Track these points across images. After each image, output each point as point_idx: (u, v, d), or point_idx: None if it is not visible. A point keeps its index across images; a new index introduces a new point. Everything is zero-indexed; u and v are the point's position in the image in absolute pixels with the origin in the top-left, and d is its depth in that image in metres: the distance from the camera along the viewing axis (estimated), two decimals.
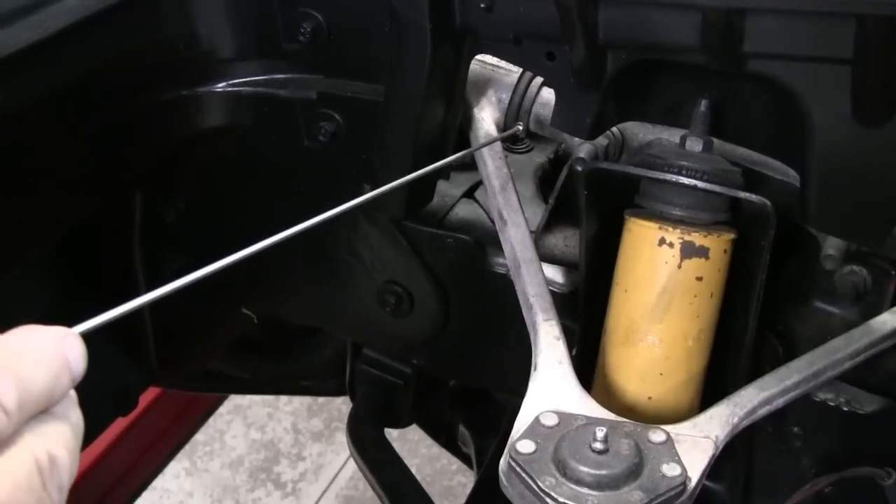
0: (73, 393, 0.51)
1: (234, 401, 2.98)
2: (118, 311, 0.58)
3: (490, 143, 1.13)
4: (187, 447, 2.75)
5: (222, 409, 2.93)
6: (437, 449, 2.63)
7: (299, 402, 3.04)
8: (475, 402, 1.67)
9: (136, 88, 1.13)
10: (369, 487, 1.47)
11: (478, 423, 1.67)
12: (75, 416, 0.51)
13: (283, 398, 3.03)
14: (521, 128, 1.16)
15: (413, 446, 2.74)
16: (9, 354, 0.48)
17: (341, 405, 3.00)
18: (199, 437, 2.85)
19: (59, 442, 0.49)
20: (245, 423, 2.98)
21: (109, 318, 0.57)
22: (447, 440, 1.80)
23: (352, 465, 2.82)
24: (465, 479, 2.75)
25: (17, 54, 0.94)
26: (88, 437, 0.55)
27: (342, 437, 2.91)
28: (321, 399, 3.00)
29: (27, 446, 0.47)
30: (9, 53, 0.94)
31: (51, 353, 0.50)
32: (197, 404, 2.53)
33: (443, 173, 1.18)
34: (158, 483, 2.67)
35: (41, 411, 0.49)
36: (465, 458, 1.80)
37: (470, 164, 1.25)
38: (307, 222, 0.75)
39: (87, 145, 1.10)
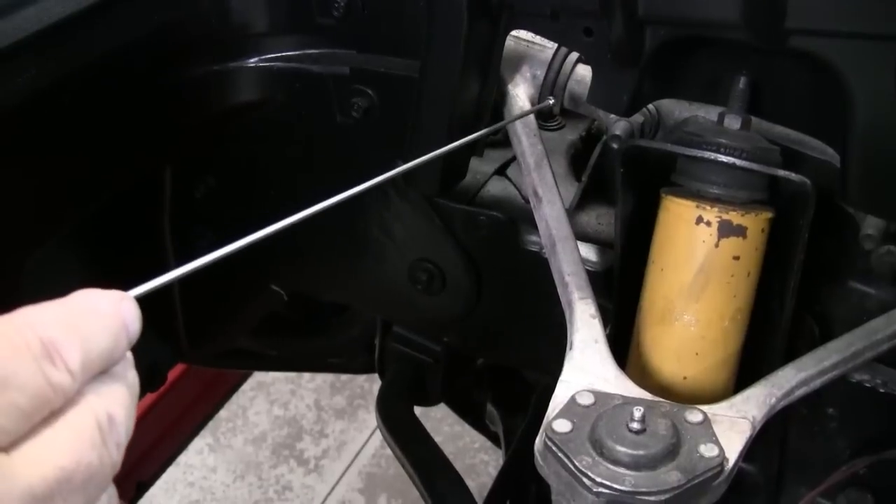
0: (129, 354, 0.52)
1: (258, 377, 2.99)
2: (172, 276, 0.58)
3: (522, 116, 1.12)
4: (210, 423, 2.76)
5: (245, 386, 2.94)
6: (459, 427, 2.64)
7: (322, 379, 3.04)
8: (504, 381, 1.67)
9: (168, 63, 1.12)
10: (392, 465, 1.48)
11: (506, 401, 1.67)
12: (132, 376, 0.52)
13: (306, 375, 3.04)
14: (551, 102, 1.15)
15: (436, 424, 2.73)
16: (73, 317, 0.49)
17: (364, 382, 3.01)
18: (223, 413, 2.87)
19: (117, 401, 0.50)
20: (268, 400, 2.99)
21: (162, 282, 0.58)
22: (475, 418, 1.80)
23: (374, 443, 2.83)
24: (487, 457, 2.76)
25: (48, 29, 0.94)
26: None
27: (365, 415, 2.92)
28: (344, 376, 3.01)
29: (89, 406, 0.48)
30: (40, 28, 0.94)
31: (111, 315, 0.51)
32: (220, 381, 2.54)
33: (476, 150, 1.17)
34: (182, 458, 2.69)
35: (101, 372, 0.50)
36: (492, 437, 1.80)
37: (502, 142, 1.25)
38: (337, 196, 0.74)
39: (119, 120, 1.10)
